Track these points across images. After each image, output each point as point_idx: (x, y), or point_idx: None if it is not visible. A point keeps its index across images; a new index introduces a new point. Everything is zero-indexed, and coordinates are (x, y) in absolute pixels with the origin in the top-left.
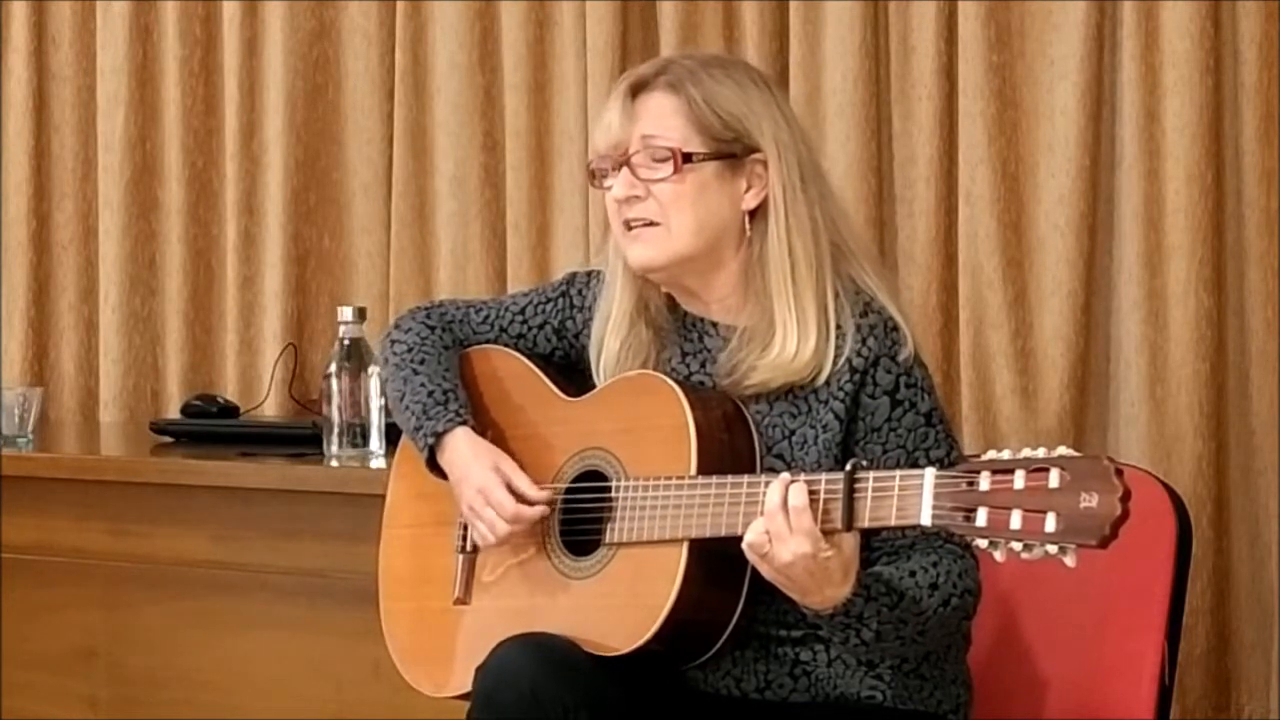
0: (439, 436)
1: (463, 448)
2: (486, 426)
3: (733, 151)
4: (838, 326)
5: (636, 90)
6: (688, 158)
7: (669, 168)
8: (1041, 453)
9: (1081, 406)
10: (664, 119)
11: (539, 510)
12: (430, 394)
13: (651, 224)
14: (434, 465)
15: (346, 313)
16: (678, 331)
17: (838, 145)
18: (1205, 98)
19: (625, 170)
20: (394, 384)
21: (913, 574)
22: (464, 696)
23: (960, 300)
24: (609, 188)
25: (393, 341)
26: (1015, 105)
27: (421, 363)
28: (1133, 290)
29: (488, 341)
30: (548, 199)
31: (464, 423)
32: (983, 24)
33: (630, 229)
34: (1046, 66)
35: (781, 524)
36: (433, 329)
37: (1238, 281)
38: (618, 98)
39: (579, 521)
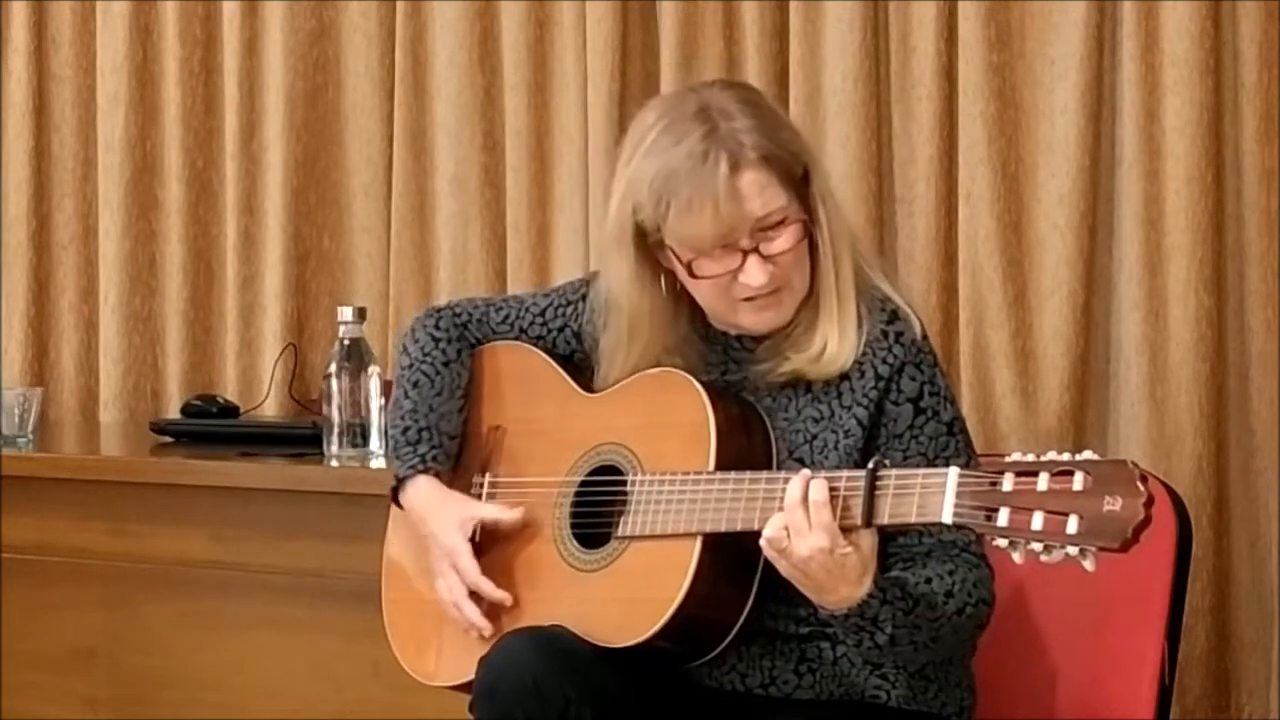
0: (401, 481)
1: (424, 497)
2: (503, 421)
3: (802, 183)
4: (857, 317)
5: (732, 171)
6: (803, 223)
7: (790, 238)
8: (1066, 456)
9: (1081, 406)
10: (764, 194)
11: (501, 594)
12: (404, 431)
13: (777, 290)
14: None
15: (346, 313)
16: (704, 340)
17: (838, 145)
18: (1205, 98)
19: (755, 258)
20: (393, 396)
21: (929, 580)
22: (464, 687)
23: (960, 300)
24: (726, 273)
25: (402, 349)
26: (1015, 105)
27: (414, 385)
28: (1133, 290)
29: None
30: (548, 199)
31: (426, 470)
32: (983, 24)
33: (752, 300)
34: (1046, 66)
35: (801, 519)
36: (437, 341)
37: (1238, 281)
38: (715, 183)
39: (591, 514)
